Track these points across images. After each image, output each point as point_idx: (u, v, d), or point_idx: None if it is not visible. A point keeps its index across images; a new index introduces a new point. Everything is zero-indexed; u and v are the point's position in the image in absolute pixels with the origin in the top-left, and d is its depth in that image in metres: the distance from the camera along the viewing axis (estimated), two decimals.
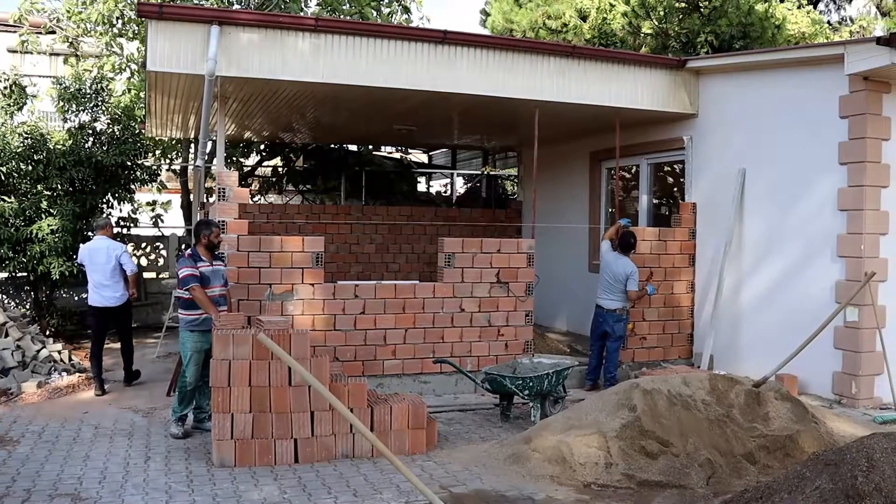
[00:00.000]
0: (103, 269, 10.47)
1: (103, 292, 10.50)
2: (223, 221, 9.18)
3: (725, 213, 11.03)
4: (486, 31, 20.62)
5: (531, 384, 8.74)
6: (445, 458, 7.72)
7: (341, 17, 15.60)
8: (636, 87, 11.14)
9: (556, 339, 12.85)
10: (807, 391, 9.78)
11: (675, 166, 13.22)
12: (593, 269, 13.35)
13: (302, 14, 15.14)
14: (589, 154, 14.09)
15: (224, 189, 9.35)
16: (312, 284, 9.65)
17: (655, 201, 13.48)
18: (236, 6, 15.11)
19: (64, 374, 10.97)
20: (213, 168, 16.08)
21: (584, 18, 17.20)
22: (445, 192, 23.02)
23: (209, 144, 13.29)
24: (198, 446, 8.09)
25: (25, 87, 14.01)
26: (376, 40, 9.65)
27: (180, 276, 8.34)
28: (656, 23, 15.89)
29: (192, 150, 16.80)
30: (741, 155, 10.94)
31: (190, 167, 17.24)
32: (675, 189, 13.66)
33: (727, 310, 11.03)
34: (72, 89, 14.24)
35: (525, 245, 10.64)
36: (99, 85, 14.38)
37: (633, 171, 13.80)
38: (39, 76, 15.76)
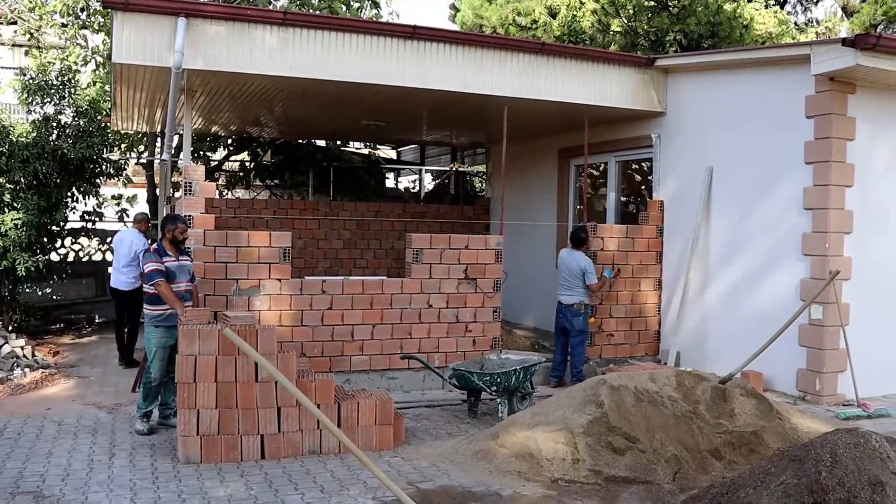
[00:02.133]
0: (122, 257, 11.48)
1: (117, 276, 11.62)
2: (189, 216, 9.09)
3: (693, 211, 11.09)
4: (456, 27, 20.62)
5: (498, 380, 8.75)
6: (413, 454, 7.70)
7: (310, 11, 15.50)
8: (605, 84, 11.18)
9: (523, 336, 12.87)
10: (772, 388, 9.86)
11: (644, 164, 13.29)
12: None
13: (270, 7, 15.05)
14: (557, 151, 14.13)
15: (191, 183, 9.27)
16: (279, 280, 9.59)
17: (623, 199, 13.53)
18: None
19: (27, 370, 10.84)
20: (179, 162, 15.97)
21: (553, 16, 17.23)
22: (414, 188, 22.97)
23: (175, 138, 13.16)
24: (163, 443, 8.01)
25: None
26: (345, 35, 9.60)
27: (145, 272, 8.26)
28: (625, 21, 15.95)
29: (158, 144, 16.65)
30: (709, 153, 11.01)
31: (156, 161, 17.08)
32: (643, 187, 13.73)
33: (693, 307, 11.10)
34: (37, 81, 14.05)
35: (493, 241, 10.65)
36: (65, 77, 14.20)
37: (601, 168, 13.86)
38: (2, 67, 15.53)
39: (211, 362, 7.30)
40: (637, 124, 12.09)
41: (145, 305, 8.42)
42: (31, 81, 13.98)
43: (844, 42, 8.86)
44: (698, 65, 11.25)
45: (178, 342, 7.46)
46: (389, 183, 22.99)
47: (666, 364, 11.14)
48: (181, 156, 15.36)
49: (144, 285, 8.43)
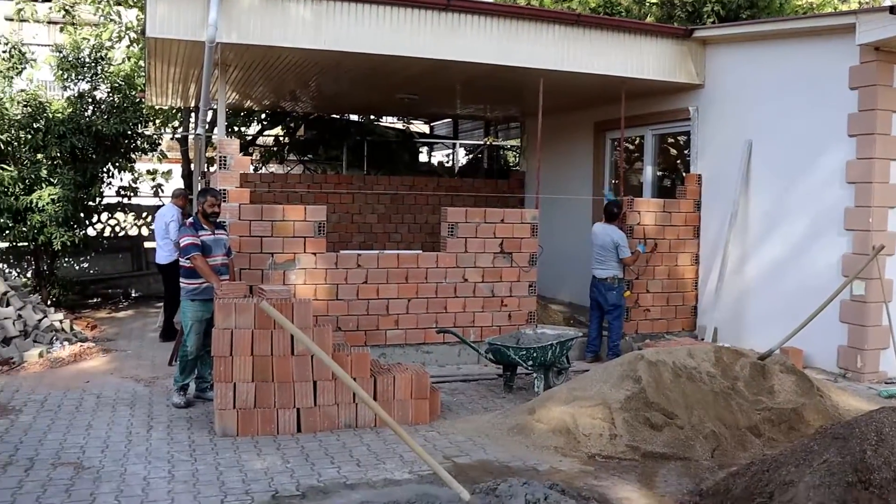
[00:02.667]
0: (159, 231, 11.69)
1: (157, 251, 11.81)
2: (224, 190, 9.08)
3: (731, 184, 10.92)
4: None
5: (535, 355, 8.69)
6: (449, 428, 7.68)
7: None
8: (642, 56, 11.00)
9: (558, 311, 12.79)
10: (812, 365, 9.72)
11: (680, 138, 13.11)
12: None
13: None
14: (593, 124, 13.97)
15: (225, 157, 9.25)
16: (314, 254, 9.58)
17: (660, 173, 13.36)
18: None
19: (66, 343, 10.93)
20: (213, 137, 15.99)
21: None
22: (448, 163, 22.88)
23: (210, 113, 13.15)
24: (200, 416, 8.04)
25: (24, 52, 13.82)
26: (379, 7, 9.50)
27: (181, 245, 8.27)
28: None
29: (192, 119, 16.68)
30: (748, 126, 10.82)
31: (190, 136, 17.12)
32: (679, 161, 13.56)
33: (732, 283, 10.94)
34: (70, 58, 14.10)
35: (529, 215, 10.56)
36: (98, 54, 14.24)
37: (636, 142, 13.70)
38: (38, 45, 15.57)
39: (247, 336, 7.30)
40: (674, 97, 11.90)
41: (181, 279, 8.44)
42: (65, 59, 14.03)
43: (892, 10, 8.63)
44: (738, 35, 11.04)
45: (215, 316, 7.46)
46: (422, 158, 22.90)
47: (703, 340, 11.03)
48: (215, 130, 15.42)
49: (180, 259, 8.44)
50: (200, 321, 8.29)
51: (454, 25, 9.82)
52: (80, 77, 14.12)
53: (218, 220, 8.55)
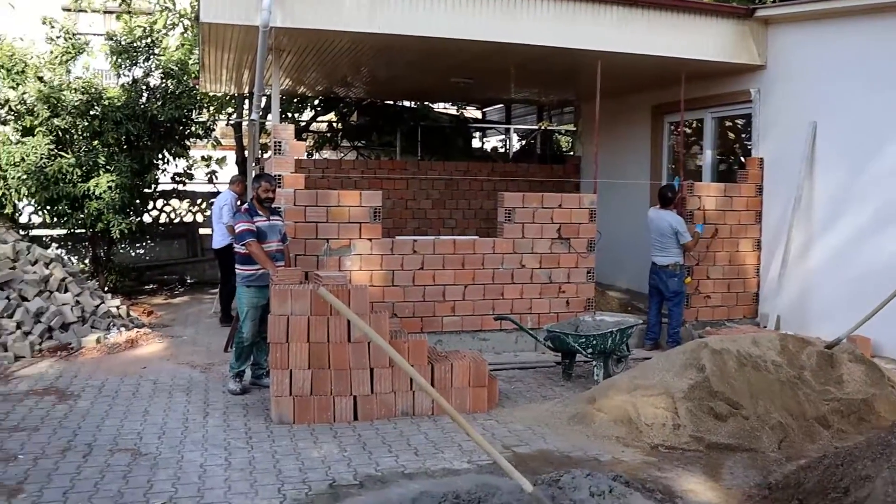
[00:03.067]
0: (214, 215, 12.06)
1: (213, 235, 12.16)
2: (279, 176, 9.01)
3: (794, 168, 10.60)
4: None
5: (594, 342, 8.53)
6: (507, 417, 7.57)
7: None
8: (702, 37, 10.71)
9: (616, 297, 12.59)
10: (880, 354, 9.39)
11: (739, 121, 12.79)
12: None
13: None
14: (651, 108, 13.69)
15: (280, 143, 9.19)
16: (370, 240, 9.49)
17: (719, 157, 13.06)
18: None
19: (122, 329, 11.00)
20: (267, 123, 15.97)
21: None
22: (501, 148, 22.68)
23: (263, 99, 13.12)
24: (256, 403, 8.02)
25: (76, 35, 13.88)
26: None
27: (237, 231, 8.23)
28: None
29: (246, 106, 16.69)
30: (812, 108, 10.47)
31: (244, 123, 17.14)
32: (738, 144, 13.25)
33: (796, 269, 10.62)
34: (123, 43, 14.16)
35: (587, 200, 10.37)
36: (150, 39, 14.29)
37: (692, 125, 13.39)
38: (94, 34, 15.67)
39: (303, 322, 7.24)
40: (735, 79, 11.58)
41: (237, 265, 8.40)
42: (118, 44, 14.10)
43: None
44: (802, 14, 10.68)
45: (270, 302, 7.41)
46: (475, 143, 22.72)
47: (766, 327, 10.76)
48: (268, 116, 15.40)
49: (235, 245, 8.40)
50: (256, 307, 8.25)
51: (511, 7, 9.63)
52: (133, 63, 14.18)
53: (273, 206, 8.48)
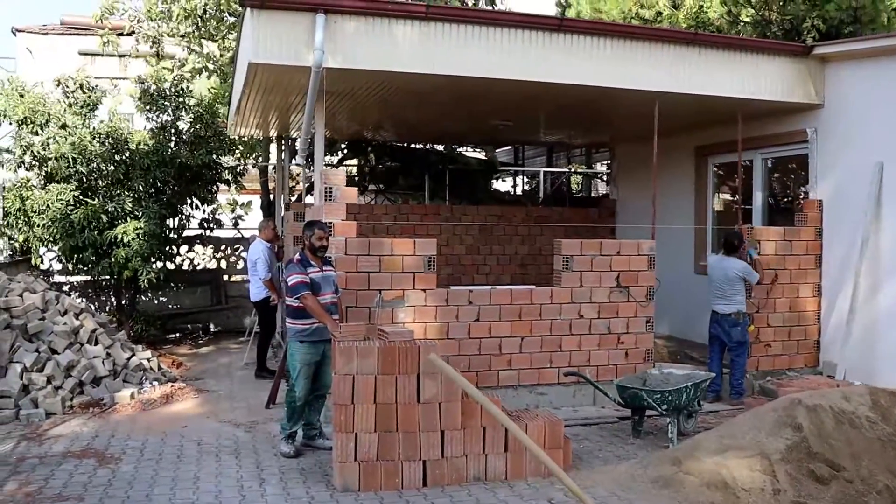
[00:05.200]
0: (249, 268, 11.62)
1: (250, 288, 11.67)
2: (330, 223, 8.56)
3: (856, 210, 10.18)
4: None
5: (669, 398, 8.03)
6: (585, 480, 7.03)
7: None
8: (758, 76, 10.34)
9: (662, 345, 12.11)
10: None
11: (791, 163, 12.36)
12: (700, 270, 12.61)
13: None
14: (694, 149, 13.31)
15: (330, 188, 8.74)
16: (424, 290, 9.01)
17: (770, 200, 12.63)
18: None
19: (155, 383, 10.55)
20: (292, 167, 15.59)
21: (676, 7, 16.39)
22: (518, 190, 22.35)
23: (298, 142, 12.74)
24: (312, 466, 7.51)
25: (95, 87, 13.51)
26: (489, 28, 8.96)
27: (290, 284, 7.73)
28: (756, 9, 15.03)
29: (272, 149, 16.33)
30: (876, 147, 10.05)
31: (270, 167, 16.76)
32: (790, 186, 12.84)
33: (862, 315, 10.14)
34: (151, 90, 13.83)
35: (646, 247, 9.93)
36: (179, 86, 13.94)
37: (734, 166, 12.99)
38: (114, 78, 15.32)
39: (370, 382, 6.77)
40: (788, 118, 11.20)
41: (288, 319, 7.92)
42: (145, 92, 13.76)
43: None
44: (862, 51, 10.32)
45: (334, 360, 6.92)
46: (494, 186, 22.36)
47: (831, 377, 10.28)
48: (295, 159, 15.03)
49: (288, 298, 7.91)
50: (310, 364, 7.76)
51: (566, 47, 9.25)
52: (160, 110, 13.83)
53: (326, 256, 8.02)
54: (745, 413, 7.67)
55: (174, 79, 14.17)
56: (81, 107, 13.19)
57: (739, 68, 10.23)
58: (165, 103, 13.73)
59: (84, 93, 13.33)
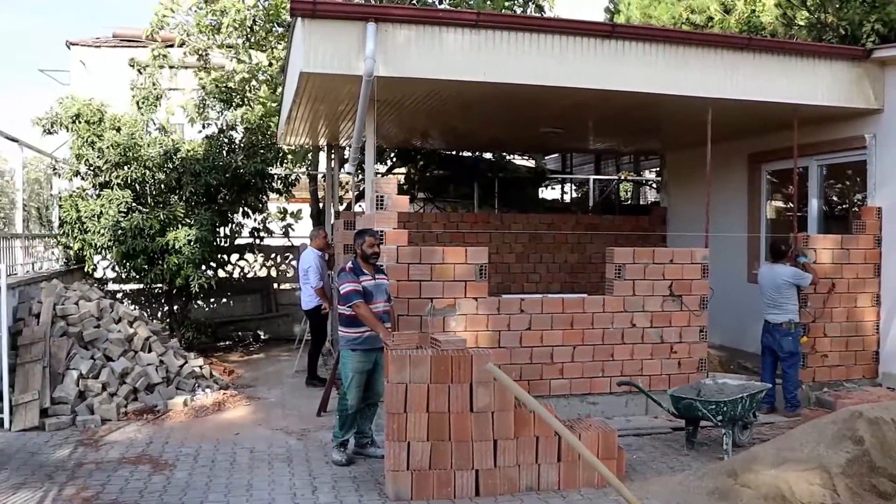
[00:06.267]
0: (300, 276, 11.63)
1: (301, 296, 11.72)
2: (382, 231, 8.56)
3: None
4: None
5: (725, 409, 7.89)
6: (639, 491, 6.93)
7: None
8: (815, 81, 10.16)
9: (714, 355, 11.93)
10: None
11: (848, 169, 12.14)
12: (753, 279, 12.42)
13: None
14: (747, 156, 13.13)
15: (382, 197, 8.73)
16: (476, 299, 8.96)
17: (825, 208, 12.41)
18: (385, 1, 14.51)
19: (208, 390, 10.62)
20: (342, 175, 15.65)
21: (728, 11, 16.21)
22: (559, 199, 22.26)
23: (348, 150, 12.78)
24: (364, 474, 7.50)
25: (160, 96, 13.69)
26: (539, 35, 8.91)
27: (342, 292, 7.73)
28: (811, 13, 14.80)
29: (321, 158, 16.40)
30: None
31: (319, 175, 16.83)
32: (846, 193, 12.61)
33: None
34: (204, 99, 13.98)
35: (699, 255, 9.79)
36: (242, 87, 14.09)
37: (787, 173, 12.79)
38: (169, 89, 15.51)
39: (423, 391, 6.74)
40: (845, 124, 10.99)
41: (340, 328, 7.92)
42: (202, 100, 13.92)
43: None
44: None
45: (387, 368, 6.90)
46: (541, 194, 22.28)
47: (893, 389, 10.07)
48: (346, 168, 15.07)
49: (340, 306, 7.91)
50: (362, 373, 7.75)
51: (619, 53, 9.17)
52: (213, 119, 13.98)
53: (377, 264, 8.01)
54: (804, 425, 7.51)
55: (243, 78, 14.31)
56: (145, 98, 13.36)
57: (795, 73, 10.06)
58: (217, 111, 13.88)
59: (154, 86, 13.56)
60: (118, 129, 12.76)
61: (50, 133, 12.88)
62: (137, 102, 13.29)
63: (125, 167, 12.52)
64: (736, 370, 11.32)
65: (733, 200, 13.30)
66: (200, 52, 15.01)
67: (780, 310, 9.75)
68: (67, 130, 12.82)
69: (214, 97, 14.00)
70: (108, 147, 12.52)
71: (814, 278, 9.85)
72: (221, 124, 13.95)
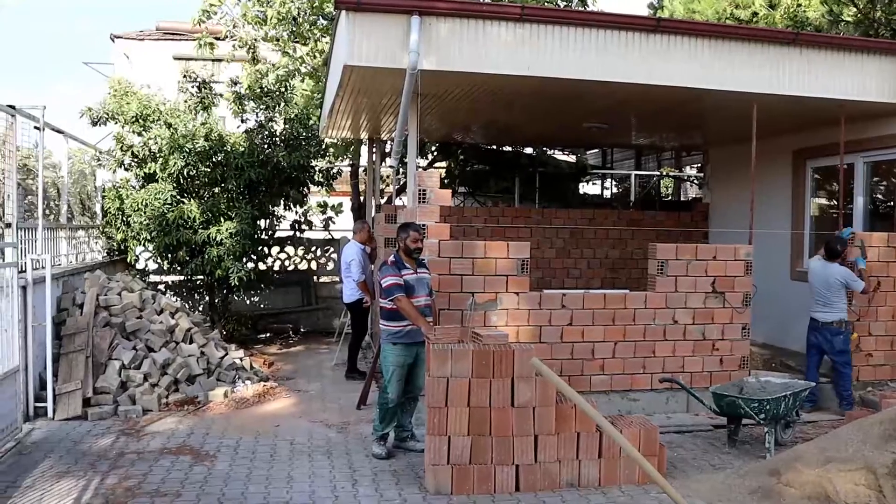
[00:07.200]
0: (342, 269, 11.70)
1: (343, 289, 11.78)
2: (424, 225, 8.56)
3: None
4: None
5: (767, 407, 7.82)
6: (681, 488, 6.85)
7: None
8: (863, 76, 9.98)
9: (757, 353, 11.81)
10: None
11: (894, 166, 11.95)
12: (797, 276, 12.29)
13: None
14: (792, 153, 12.95)
15: (424, 190, 8.74)
16: (517, 293, 8.94)
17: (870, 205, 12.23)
18: None
19: (248, 382, 10.67)
20: (383, 169, 15.67)
21: (773, 7, 16.01)
22: (600, 194, 22.14)
23: (389, 144, 12.80)
24: (404, 468, 7.51)
25: (212, 88, 13.81)
26: (584, 29, 8.84)
27: (384, 286, 7.74)
28: (859, 9, 14.59)
29: (363, 151, 16.42)
30: None
31: (360, 168, 16.86)
32: (892, 190, 12.42)
33: None
34: (247, 92, 14.05)
35: (743, 252, 9.69)
36: (273, 88, 14.13)
37: (834, 170, 12.61)
38: (215, 82, 15.60)
39: (464, 385, 6.74)
40: (893, 120, 10.82)
41: (381, 321, 7.94)
42: (240, 94, 14.00)
43: None
44: None
45: (428, 362, 6.91)
46: (580, 189, 22.18)
47: None
48: (387, 161, 15.08)
49: (381, 300, 7.93)
50: (403, 366, 7.77)
51: (664, 48, 9.07)
52: (256, 111, 14.06)
53: (419, 258, 8.01)
54: (848, 425, 7.41)
55: (277, 77, 14.36)
56: (197, 104, 13.50)
57: (843, 69, 9.90)
58: (261, 104, 13.95)
59: (202, 91, 13.68)
60: (169, 126, 12.86)
61: (96, 125, 13.02)
62: (189, 107, 13.42)
63: (170, 158, 12.61)
64: (779, 368, 11.19)
65: (777, 197, 13.14)
66: (249, 45, 15.05)
67: (830, 308, 9.62)
68: (123, 126, 12.97)
69: (248, 98, 14.05)
70: (154, 138, 12.64)
71: (865, 287, 9.70)
72: (262, 118, 13.99)
